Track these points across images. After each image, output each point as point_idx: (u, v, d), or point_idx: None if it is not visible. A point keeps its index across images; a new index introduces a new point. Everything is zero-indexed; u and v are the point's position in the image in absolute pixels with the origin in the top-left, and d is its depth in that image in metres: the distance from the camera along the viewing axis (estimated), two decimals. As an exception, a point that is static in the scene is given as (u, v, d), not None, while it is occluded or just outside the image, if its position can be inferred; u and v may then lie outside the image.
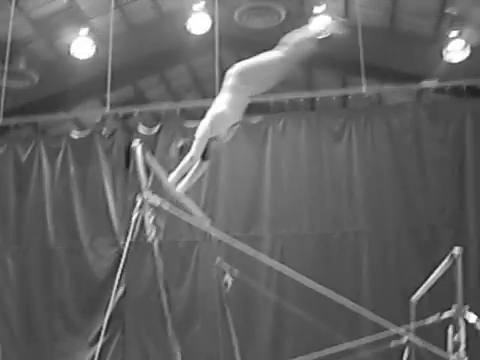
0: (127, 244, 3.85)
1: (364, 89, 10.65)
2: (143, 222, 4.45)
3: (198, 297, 10.38)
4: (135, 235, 4.49)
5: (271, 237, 10.63)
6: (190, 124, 11.38)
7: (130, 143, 11.13)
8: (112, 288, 10.57)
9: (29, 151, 11.65)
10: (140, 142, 4.33)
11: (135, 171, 11.20)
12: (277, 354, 9.52)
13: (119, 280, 4.13)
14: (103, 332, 3.85)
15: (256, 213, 10.87)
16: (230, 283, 6.13)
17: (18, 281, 11.22)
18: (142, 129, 11.35)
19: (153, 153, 10.75)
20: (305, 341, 9.39)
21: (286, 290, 9.66)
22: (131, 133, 11.60)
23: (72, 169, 11.41)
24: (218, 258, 6.29)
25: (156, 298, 10.07)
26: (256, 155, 11.14)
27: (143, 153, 4.02)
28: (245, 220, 10.80)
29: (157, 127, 11.42)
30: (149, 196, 3.82)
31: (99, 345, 3.79)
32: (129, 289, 10.36)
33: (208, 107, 11.21)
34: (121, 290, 9.85)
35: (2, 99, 10.92)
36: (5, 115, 11.14)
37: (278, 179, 10.94)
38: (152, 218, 3.73)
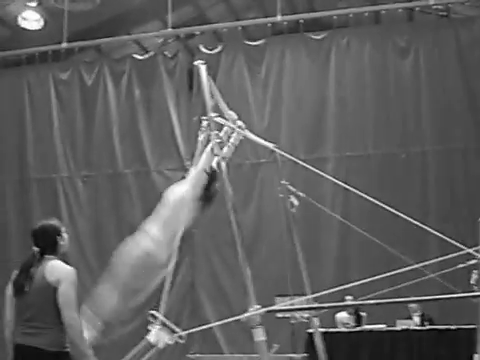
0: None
1: (432, 1, 10.19)
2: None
3: (264, 219, 10.47)
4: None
5: (336, 158, 10.52)
6: (252, 42, 11.23)
7: (193, 64, 11.13)
8: (180, 210, 10.86)
9: (94, 74, 11.75)
10: (204, 63, 4.25)
11: (199, 92, 11.23)
12: (343, 274, 9.58)
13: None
14: (176, 254, 3.89)
15: (320, 134, 10.75)
16: (296, 204, 6.11)
17: (89, 205, 11.55)
18: (204, 49, 11.23)
19: (216, 73, 10.68)
20: (371, 262, 9.39)
21: (351, 212, 9.62)
22: (193, 54, 11.52)
23: (137, 92, 11.47)
24: (283, 180, 6.26)
25: (224, 220, 10.27)
26: (319, 74, 10.92)
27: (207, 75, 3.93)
28: (309, 142, 10.70)
29: (219, 47, 11.29)
30: (215, 116, 3.76)
31: (170, 267, 3.84)
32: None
33: (267, 25, 11.03)
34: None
35: (65, 23, 10.92)
36: (69, 39, 11.18)
37: (342, 98, 10.73)
38: (218, 139, 3.69)
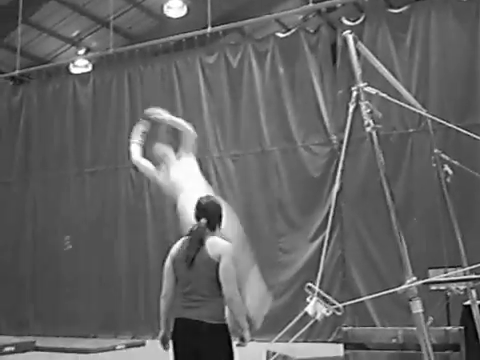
0: (346, 137, 3.80)
1: None
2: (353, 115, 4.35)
3: (415, 190, 10.20)
4: (350, 129, 4.45)
5: (490, 124, 10.01)
6: (395, 10, 10.92)
7: (335, 38, 11.00)
8: (327, 185, 10.88)
9: (239, 56, 11.98)
10: (350, 32, 4.20)
11: (342, 66, 11.13)
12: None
13: (339, 176, 4.15)
14: (329, 227, 3.90)
15: (472, 100, 10.25)
16: (451, 173, 5.91)
17: (239, 183, 11.85)
18: (346, 21, 11.06)
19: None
20: None
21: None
22: (335, 27, 11.40)
23: (281, 70, 11.57)
24: (436, 149, 6.08)
25: (372, 192, 10.10)
26: (468, 36, 10.39)
27: (354, 42, 3.87)
28: (460, 108, 10.25)
29: (361, 18, 11.07)
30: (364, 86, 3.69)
31: (325, 242, 3.86)
32: (345, 185, 10.46)
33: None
34: (337, 186, 9.94)
35: (209, 8, 11.19)
36: (212, 23, 11.46)
37: (495, 61, 10.17)
38: (368, 109, 3.62)
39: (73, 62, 14.73)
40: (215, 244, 4.07)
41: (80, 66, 14.86)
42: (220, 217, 4.23)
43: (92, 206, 13.06)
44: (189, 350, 4.00)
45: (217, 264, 3.99)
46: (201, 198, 4.30)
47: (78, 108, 13.56)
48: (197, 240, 4.06)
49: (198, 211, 4.20)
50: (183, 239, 4.20)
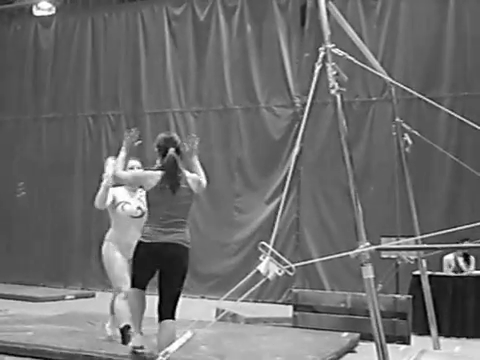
0: (310, 97, 3.74)
1: None
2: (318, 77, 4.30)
3: (373, 158, 10.29)
4: (314, 90, 4.40)
5: (451, 98, 10.07)
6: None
7: (305, 0, 10.83)
8: (287, 148, 10.87)
9: (207, 10, 11.77)
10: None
11: (310, 29, 11.01)
12: (453, 218, 9.30)
13: (300, 138, 4.11)
14: (286, 189, 3.85)
15: (436, 73, 10.29)
16: (410, 143, 5.95)
17: (200, 139, 11.72)
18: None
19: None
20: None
21: (465, 153, 9.28)
22: (307, -12, 11.23)
23: (248, 27, 11.41)
24: (397, 118, 6.09)
25: (331, 157, 10.15)
26: (437, 8, 10.38)
27: (325, 1, 3.79)
28: (424, 80, 10.28)
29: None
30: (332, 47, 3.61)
31: (281, 204, 3.84)
32: (305, 149, 10.45)
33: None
34: (297, 149, 9.94)
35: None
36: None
37: (462, 36, 10.15)
38: (334, 71, 3.57)
39: (36, 4, 14.26)
40: (189, 175, 4.69)
41: (43, 9, 14.39)
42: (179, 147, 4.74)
43: (48, 153, 12.83)
44: (154, 270, 4.50)
45: (192, 192, 4.63)
46: (164, 134, 4.79)
47: (39, 52, 13.23)
48: (175, 167, 4.54)
49: (166, 142, 4.65)
50: (159, 172, 4.57)
